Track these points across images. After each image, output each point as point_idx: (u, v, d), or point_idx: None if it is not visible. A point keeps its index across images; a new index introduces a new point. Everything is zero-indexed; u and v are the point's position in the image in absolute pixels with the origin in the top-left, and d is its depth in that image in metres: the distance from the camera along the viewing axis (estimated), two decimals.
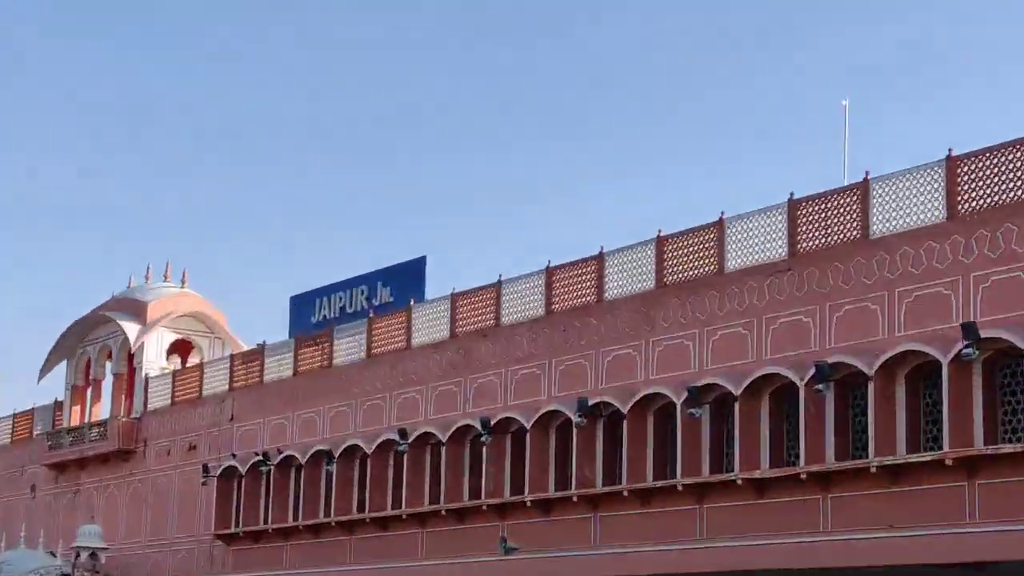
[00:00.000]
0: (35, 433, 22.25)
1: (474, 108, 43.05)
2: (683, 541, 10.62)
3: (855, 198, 10.31)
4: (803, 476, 9.86)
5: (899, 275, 9.56)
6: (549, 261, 13.45)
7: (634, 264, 12.49)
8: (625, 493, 11.61)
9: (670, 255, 11.98)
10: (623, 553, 10.71)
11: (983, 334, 8.24)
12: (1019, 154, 9.07)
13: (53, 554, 19.13)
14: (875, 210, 10.07)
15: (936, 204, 9.55)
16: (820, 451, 9.88)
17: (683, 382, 10.92)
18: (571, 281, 13.19)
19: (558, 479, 12.59)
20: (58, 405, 21.86)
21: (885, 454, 9.22)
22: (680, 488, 10.88)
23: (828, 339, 10.13)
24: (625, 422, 11.66)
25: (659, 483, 11.31)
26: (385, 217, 42.52)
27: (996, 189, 9.09)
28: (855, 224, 10.22)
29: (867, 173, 10.27)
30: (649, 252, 12.24)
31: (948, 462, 8.69)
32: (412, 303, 15.48)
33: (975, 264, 8.99)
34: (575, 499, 12.11)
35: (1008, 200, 8.96)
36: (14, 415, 23.36)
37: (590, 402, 11.79)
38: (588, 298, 12.79)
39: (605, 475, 12.09)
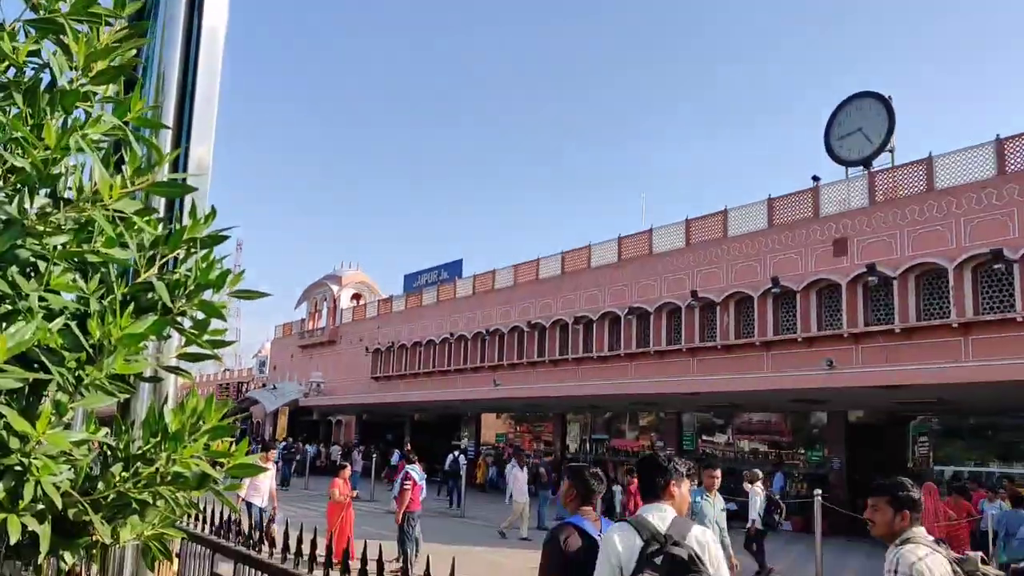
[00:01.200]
0: (293, 332, 46.26)
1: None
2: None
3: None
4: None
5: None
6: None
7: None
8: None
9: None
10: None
11: None
12: None
13: (300, 384, 42.35)
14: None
15: None
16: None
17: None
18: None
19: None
20: (303, 321, 45.56)
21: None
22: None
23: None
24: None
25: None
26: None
27: None
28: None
29: None
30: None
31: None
32: (456, 279, 36.44)
33: None
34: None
35: None
36: (283, 325, 47.98)
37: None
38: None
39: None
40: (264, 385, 46.48)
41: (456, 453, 25.12)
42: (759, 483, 12.74)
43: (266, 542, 2.90)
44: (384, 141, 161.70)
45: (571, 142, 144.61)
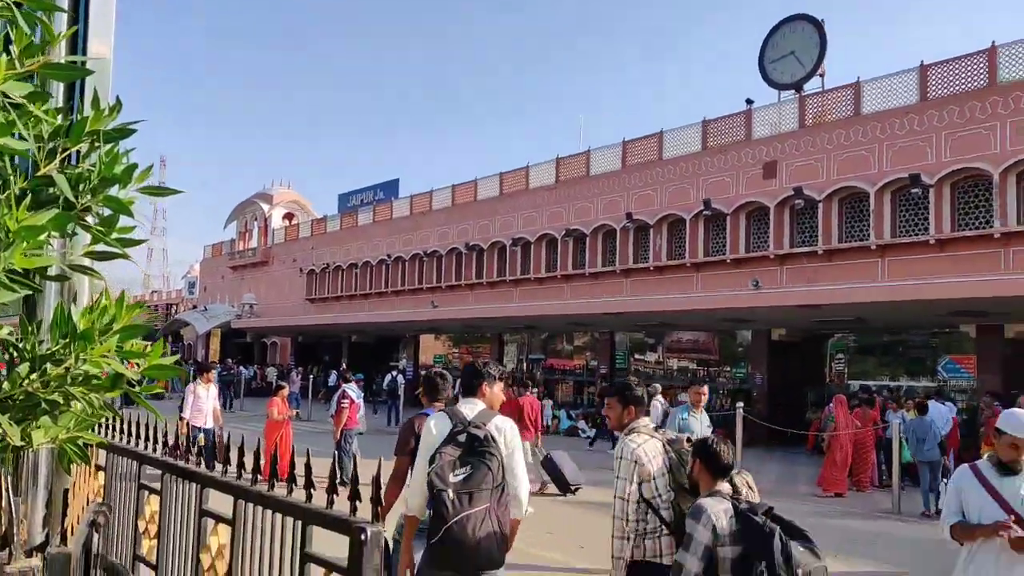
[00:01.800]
0: (223, 252, 45.08)
1: None
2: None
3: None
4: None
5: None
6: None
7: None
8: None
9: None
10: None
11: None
12: None
13: (232, 306, 41.58)
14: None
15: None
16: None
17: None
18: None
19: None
20: (233, 241, 44.34)
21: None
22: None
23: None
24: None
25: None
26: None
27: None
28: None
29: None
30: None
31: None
32: (392, 199, 35.85)
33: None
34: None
35: None
36: (213, 245, 46.57)
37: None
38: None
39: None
40: (195, 307, 45.49)
41: (394, 373, 25.32)
42: (659, 396, 13.28)
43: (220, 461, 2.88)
44: (318, 59, 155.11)
45: (509, 64, 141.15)
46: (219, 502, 2.49)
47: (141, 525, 2.89)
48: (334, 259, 35.80)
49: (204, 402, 10.82)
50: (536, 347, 28.61)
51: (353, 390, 11.37)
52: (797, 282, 18.52)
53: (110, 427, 3.36)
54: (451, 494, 3.33)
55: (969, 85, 16.66)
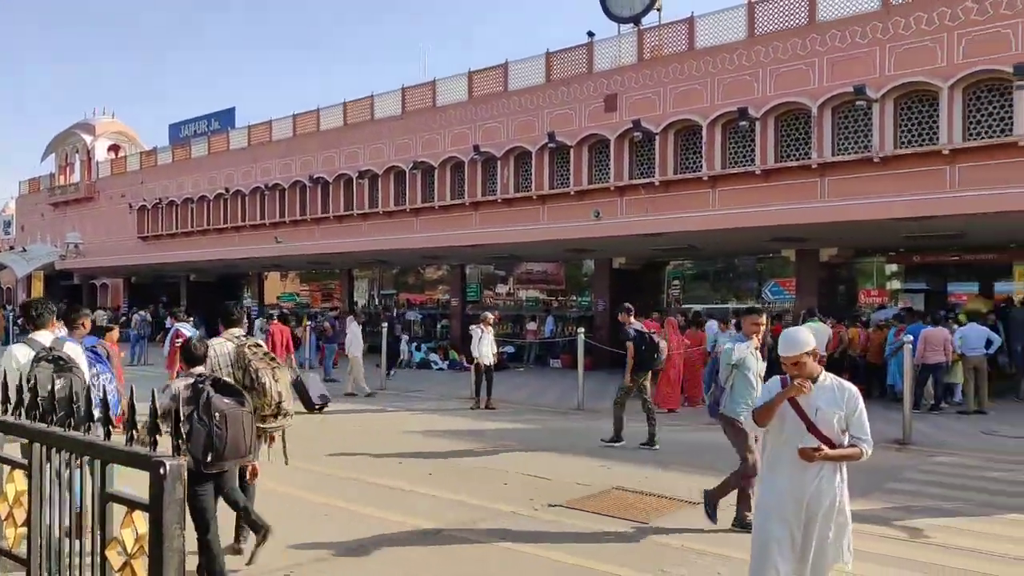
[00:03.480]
0: (42, 188, 40.85)
1: None
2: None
3: None
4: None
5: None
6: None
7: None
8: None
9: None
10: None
11: None
12: None
13: (55, 247, 38.01)
14: None
15: None
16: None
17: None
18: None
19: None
20: (53, 176, 40.25)
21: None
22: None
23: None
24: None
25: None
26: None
27: None
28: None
29: None
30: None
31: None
32: (229, 129, 33.65)
33: None
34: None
35: None
36: (29, 180, 42.09)
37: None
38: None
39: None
40: (12, 248, 41.12)
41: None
42: (485, 324, 13.65)
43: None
44: None
45: None
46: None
47: None
48: (167, 194, 33.43)
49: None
50: (388, 282, 28.42)
51: (187, 328, 10.87)
52: (636, 212, 19.40)
53: None
54: None
55: (791, 23, 17.77)
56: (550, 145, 20.91)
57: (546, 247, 19.89)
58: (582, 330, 14.27)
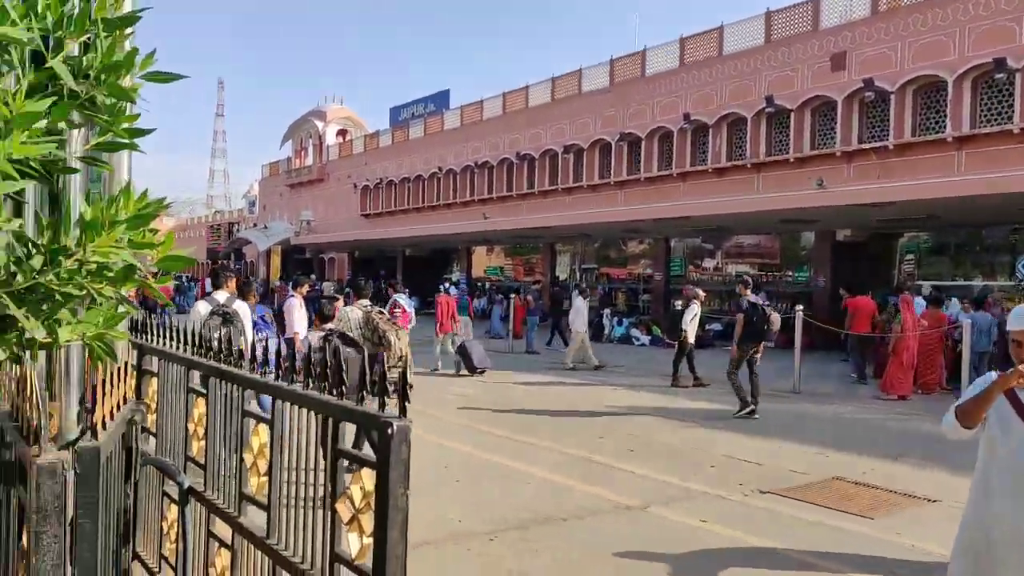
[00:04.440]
0: (280, 171, 45.56)
1: None
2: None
3: None
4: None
5: None
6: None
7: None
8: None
9: None
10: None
11: None
12: None
13: (291, 224, 42.32)
14: None
15: None
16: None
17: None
18: None
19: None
20: (290, 160, 44.78)
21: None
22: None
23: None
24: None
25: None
26: None
27: None
28: None
29: None
30: None
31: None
32: (443, 111, 35.27)
33: None
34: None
35: None
36: (270, 164, 47.12)
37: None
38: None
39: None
40: (255, 225, 46.43)
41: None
42: (696, 300, 13.01)
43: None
44: None
45: None
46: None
47: (190, 427, 2.94)
48: (387, 174, 35.78)
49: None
50: (590, 256, 28.40)
51: (403, 299, 11.54)
52: (865, 179, 17.66)
53: (160, 334, 3.40)
54: None
55: None
56: (768, 110, 19.60)
57: (760, 218, 18.75)
58: (799, 307, 13.26)
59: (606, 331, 21.47)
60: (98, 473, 1.79)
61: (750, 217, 18.55)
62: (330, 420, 1.98)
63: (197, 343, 2.98)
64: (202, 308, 6.41)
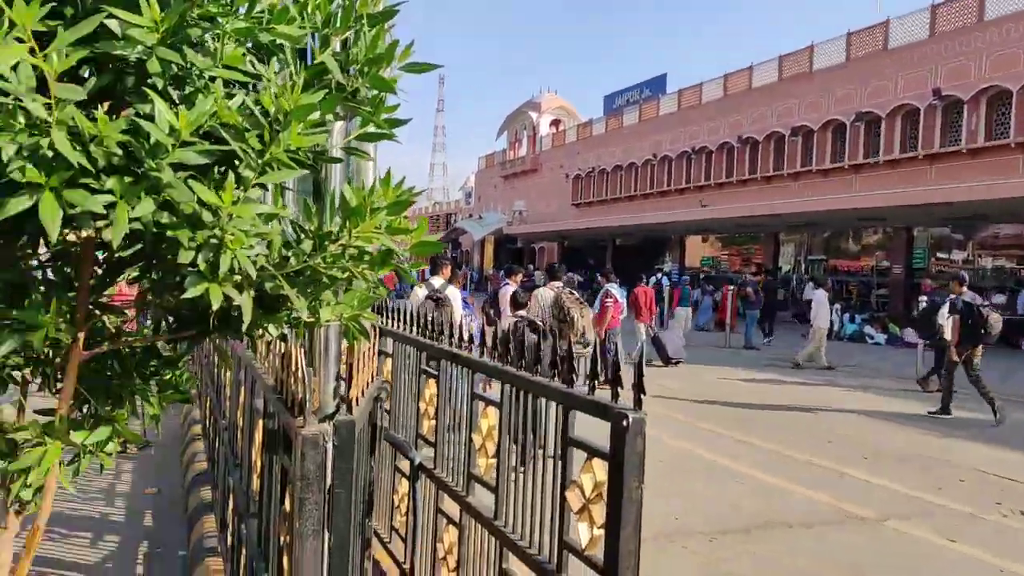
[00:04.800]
0: (495, 163, 47.39)
1: None
2: None
3: None
4: None
5: None
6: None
7: None
8: None
9: None
10: None
11: None
12: None
13: (503, 214, 43.88)
14: None
15: None
16: None
17: None
18: None
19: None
20: (504, 151, 46.42)
21: None
22: None
23: None
24: None
25: None
26: None
27: None
28: None
29: None
30: None
31: None
32: (659, 96, 34.62)
33: None
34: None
35: None
36: (486, 156, 49.25)
37: None
38: None
39: None
40: (471, 216, 48.68)
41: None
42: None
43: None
44: None
45: None
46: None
47: (421, 407, 3.11)
48: (599, 162, 35.83)
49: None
50: (817, 247, 26.46)
51: (615, 288, 11.43)
52: None
53: (395, 317, 3.62)
54: None
55: None
56: None
57: None
58: None
59: (835, 328, 19.93)
60: (353, 446, 1.92)
61: (1014, 203, 16.22)
62: (560, 407, 1.97)
63: (428, 327, 3.13)
64: (420, 292, 7.06)
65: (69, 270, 2.06)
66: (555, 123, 43.46)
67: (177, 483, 5.80)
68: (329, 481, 1.85)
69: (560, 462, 1.99)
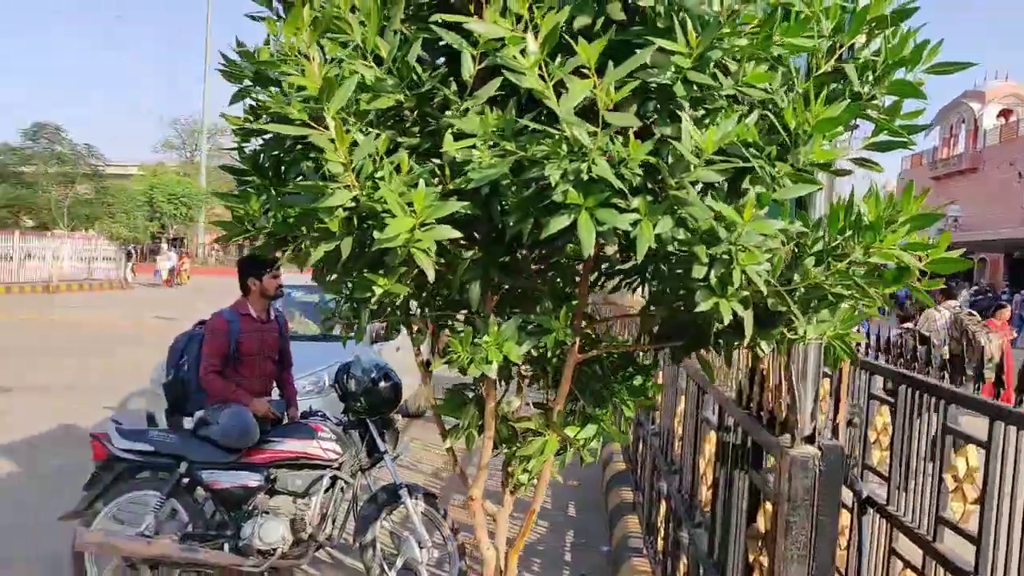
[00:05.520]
0: (924, 162, 42.12)
1: None
2: None
3: None
4: None
5: None
6: None
7: None
8: None
9: None
10: None
11: None
12: None
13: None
14: None
15: None
16: None
17: None
18: None
19: None
20: (935, 149, 40.96)
21: None
22: None
23: None
24: None
25: None
26: None
27: None
28: None
29: None
30: None
31: None
32: None
33: None
34: None
35: None
36: (912, 155, 44.09)
37: None
38: None
39: None
40: None
41: None
42: None
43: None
44: None
45: None
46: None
47: (871, 435, 2.86)
48: None
49: None
50: None
51: None
52: None
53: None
54: None
55: None
56: None
57: None
58: None
59: None
60: (839, 472, 1.82)
61: None
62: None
63: (884, 348, 2.86)
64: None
65: (560, 281, 2.30)
66: (1004, 114, 36.75)
67: (593, 478, 6.24)
68: (814, 507, 1.78)
69: (940, 449, 1.67)
